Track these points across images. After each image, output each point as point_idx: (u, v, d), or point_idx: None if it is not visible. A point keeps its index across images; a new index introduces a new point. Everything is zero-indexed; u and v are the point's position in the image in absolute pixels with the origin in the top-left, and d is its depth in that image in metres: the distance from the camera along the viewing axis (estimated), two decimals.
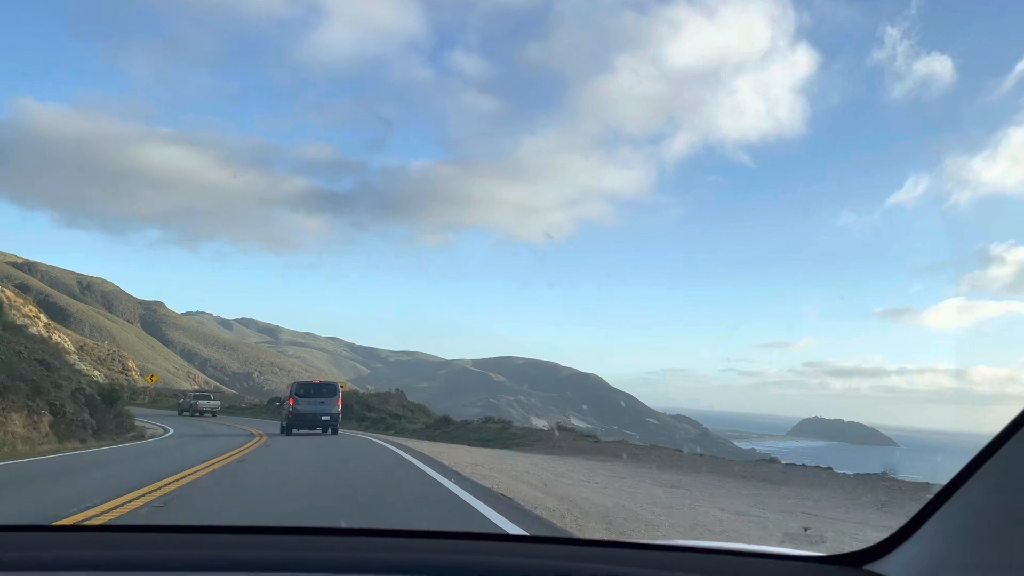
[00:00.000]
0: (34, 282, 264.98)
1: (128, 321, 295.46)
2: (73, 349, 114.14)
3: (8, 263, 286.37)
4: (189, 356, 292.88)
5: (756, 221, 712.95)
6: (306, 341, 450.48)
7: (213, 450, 20.58)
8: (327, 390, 30.29)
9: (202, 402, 54.64)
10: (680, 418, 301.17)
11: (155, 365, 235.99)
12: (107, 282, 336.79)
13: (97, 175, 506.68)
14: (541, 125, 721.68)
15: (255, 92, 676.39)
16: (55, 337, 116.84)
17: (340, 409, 30.47)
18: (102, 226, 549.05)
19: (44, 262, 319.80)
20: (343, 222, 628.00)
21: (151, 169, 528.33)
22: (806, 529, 9.28)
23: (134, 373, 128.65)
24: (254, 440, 25.67)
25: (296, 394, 29.37)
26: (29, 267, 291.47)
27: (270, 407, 55.27)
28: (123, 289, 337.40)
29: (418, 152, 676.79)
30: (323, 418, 29.30)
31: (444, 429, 34.91)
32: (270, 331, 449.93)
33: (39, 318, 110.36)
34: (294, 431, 29.40)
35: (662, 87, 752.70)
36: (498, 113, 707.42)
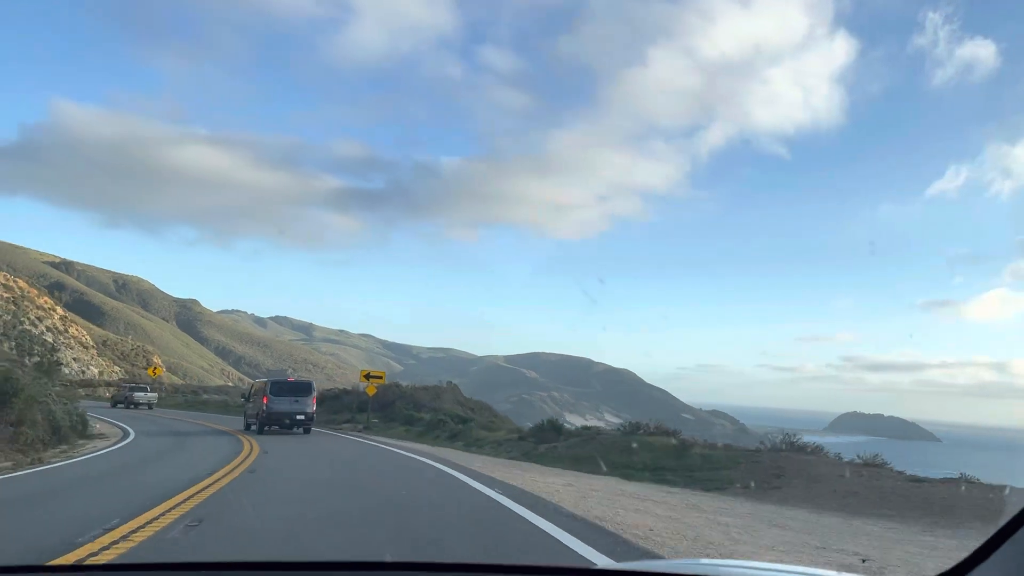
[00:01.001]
0: (70, 280, 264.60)
1: (163, 319, 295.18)
2: (92, 343, 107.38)
3: (46, 262, 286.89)
4: (223, 353, 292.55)
5: (792, 213, 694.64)
6: (339, 338, 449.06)
7: (174, 479, 12.36)
8: (302, 388, 28.92)
9: (138, 394, 51.50)
10: (716, 413, 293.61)
11: (189, 362, 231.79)
12: (143, 281, 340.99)
13: (134, 176, 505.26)
14: (571, 120, 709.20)
15: (287, 91, 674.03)
16: (71, 330, 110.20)
17: (315, 408, 29.23)
18: (139, 226, 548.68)
19: (82, 261, 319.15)
20: (375, 219, 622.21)
21: (186, 169, 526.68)
22: (864, 560, 7.50)
23: (159, 369, 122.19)
24: (240, 457, 17.77)
25: (270, 392, 27.90)
26: (66, 266, 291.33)
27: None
28: (159, 287, 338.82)
29: (449, 149, 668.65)
30: (298, 417, 27.93)
31: (554, 444, 22.01)
32: (304, 328, 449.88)
33: (55, 310, 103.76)
34: (266, 429, 28.01)
35: (695, 78, 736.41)
36: (528, 108, 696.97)
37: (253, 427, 29.22)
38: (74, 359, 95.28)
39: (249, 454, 18.41)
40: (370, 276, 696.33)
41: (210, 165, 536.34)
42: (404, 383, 40.67)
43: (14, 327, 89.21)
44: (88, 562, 5.99)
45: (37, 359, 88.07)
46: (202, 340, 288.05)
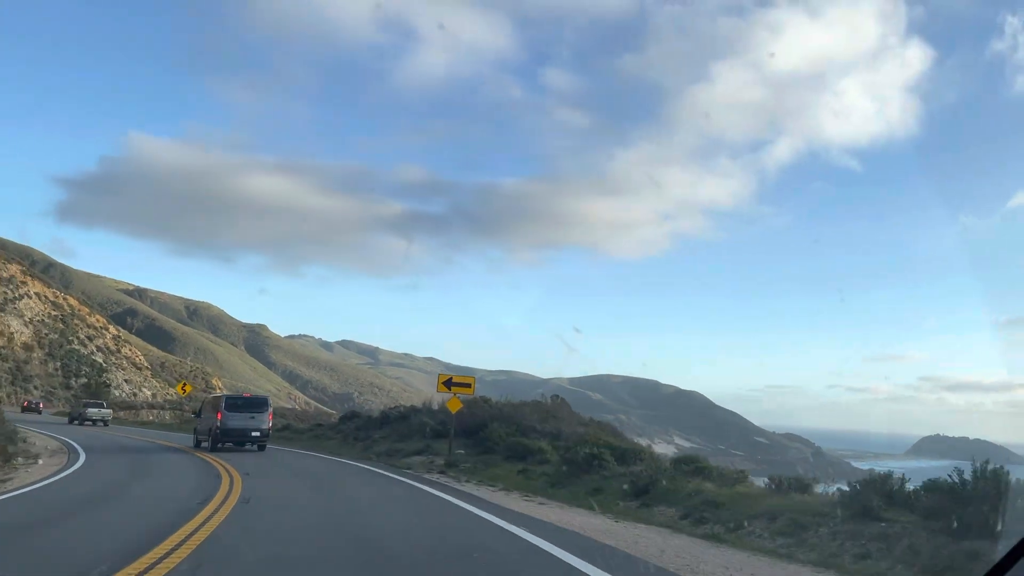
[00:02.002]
0: (142, 307, 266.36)
1: (232, 344, 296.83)
2: (146, 364, 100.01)
3: (120, 290, 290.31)
4: (291, 377, 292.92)
5: (864, 228, 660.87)
6: (404, 362, 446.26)
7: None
8: (258, 404, 27.85)
9: (91, 410, 49.58)
10: (791, 437, 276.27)
11: (256, 386, 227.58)
12: (213, 306, 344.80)
13: (205, 205, 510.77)
14: (634, 138, 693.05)
15: (351, 118, 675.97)
16: (124, 350, 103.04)
17: (271, 425, 28.14)
18: (210, 253, 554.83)
19: (155, 289, 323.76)
20: (437, 243, 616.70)
21: (255, 197, 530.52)
22: None
23: (219, 391, 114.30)
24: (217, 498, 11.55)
25: (225, 407, 26.42)
26: (139, 293, 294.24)
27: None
28: (228, 313, 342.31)
29: (510, 170, 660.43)
30: (253, 434, 26.48)
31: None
32: (370, 352, 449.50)
33: (107, 330, 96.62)
34: (219, 446, 26.25)
35: (763, 92, 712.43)
36: (590, 128, 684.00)
37: (204, 444, 27.70)
38: (125, 380, 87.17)
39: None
40: (433, 299, 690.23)
41: (278, 193, 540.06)
42: (494, 398, 29.35)
43: (61, 346, 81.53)
44: None
45: (84, 380, 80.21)
46: (270, 364, 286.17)
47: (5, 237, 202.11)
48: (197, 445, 28.18)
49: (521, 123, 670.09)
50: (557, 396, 30.40)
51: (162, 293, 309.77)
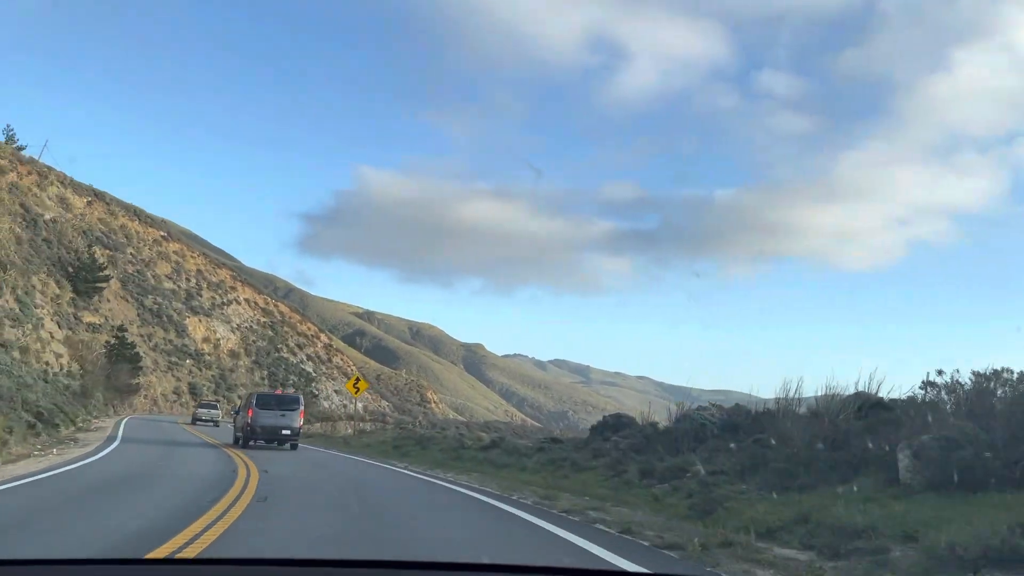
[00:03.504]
0: (370, 328, 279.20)
1: (452, 362, 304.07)
2: (356, 375, 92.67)
3: (352, 313, 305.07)
4: (507, 395, 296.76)
5: None
6: (616, 380, 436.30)
7: None
8: (289, 402, 26.83)
9: (202, 411, 51.33)
10: None
11: (474, 403, 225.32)
12: (434, 328, 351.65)
13: (427, 232, 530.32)
14: (860, 139, 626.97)
15: (561, 140, 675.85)
16: (336, 359, 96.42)
17: (302, 423, 27.04)
18: (431, 278, 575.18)
19: (381, 311, 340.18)
20: (647, 260, 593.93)
21: (472, 223, 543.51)
22: None
23: (433, 404, 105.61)
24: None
25: (256, 405, 25.80)
26: (368, 316, 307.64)
27: None
28: (447, 333, 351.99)
29: (722, 181, 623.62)
30: (283, 432, 25.47)
31: None
32: (581, 371, 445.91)
33: (318, 338, 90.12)
34: (250, 444, 25.66)
35: (1015, 78, 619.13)
36: (810, 131, 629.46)
37: (240, 441, 26.38)
38: (335, 391, 78.72)
39: None
40: (644, 317, 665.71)
41: (493, 218, 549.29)
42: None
43: (269, 354, 74.57)
44: None
45: (291, 389, 72.51)
46: (487, 382, 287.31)
47: (255, 268, 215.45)
48: (236, 442, 26.87)
49: (734, 132, 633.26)
50: None
51: (388, 315, 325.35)
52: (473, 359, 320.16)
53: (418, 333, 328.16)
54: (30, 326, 42.32)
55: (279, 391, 33.50)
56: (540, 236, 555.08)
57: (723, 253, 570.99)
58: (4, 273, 43.42)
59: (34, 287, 47.34)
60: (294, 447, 25.68)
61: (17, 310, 41.66)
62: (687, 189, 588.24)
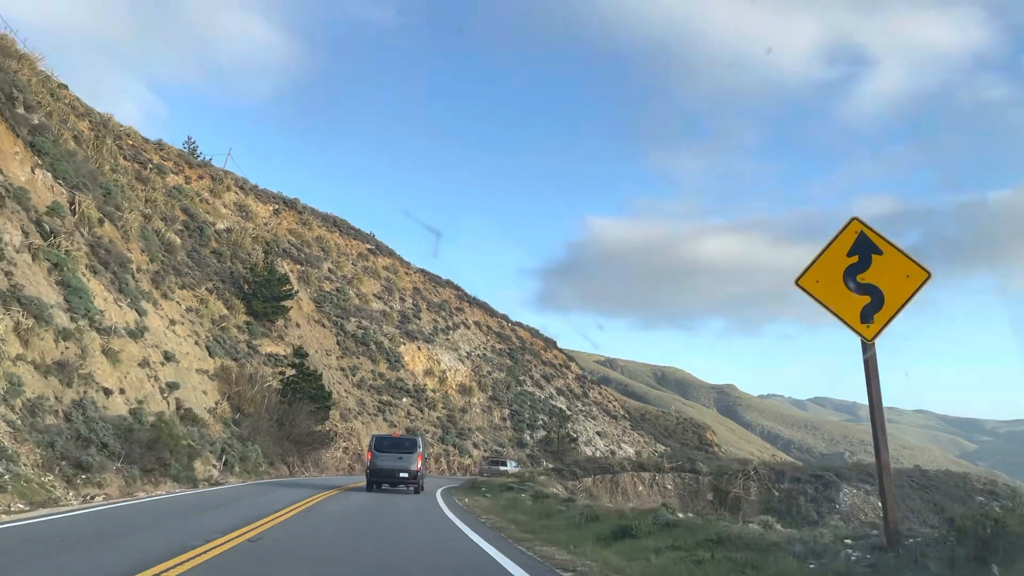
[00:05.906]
0: (614, 375, 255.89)
1: (703, 405, 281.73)
2: (622, 413, 69.95)
3: (596, 361, 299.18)
4: (769, 437, 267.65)
5: None
6: (890, 416, 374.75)
7: None
8: (407, 445, 25.39)
9: (493, 467, 42.89)
10: None
11: (737, 448, 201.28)
12: (680, 371, 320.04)
13: (661, 276, 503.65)
14: None
15: (799, 162, 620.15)
16: (592, 394, 74.10)
17: (421, 466, 25.35)
18: (670, 322, 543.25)
19: (622, 358, 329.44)
20: None
21: (708, 261, 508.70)
22: None
23: (715, 448, 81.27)
24: None
25: (375, 448, 25.01)
26: (610, 363, 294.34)
27: None
28: (695, 376, 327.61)
29: (999, 182, 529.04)
30: (401, 475, 24.50)
31: None
32: (847, 408, 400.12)
33: (568, 368, 68.30)
34: (374, 487, 24.49)
35: None
36: None
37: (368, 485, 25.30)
38: (597, 433, 57.32)
39: None
40: (914, 347, 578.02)
41: (730, 253, 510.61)
42: None
43: (508, 387, 55.22)
44: None
45: (543, 432, 52.41)
46: (744, 424, 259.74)
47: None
48: (368, 487, 24.86)
49: (1009, 124, 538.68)
50: None
51: (630, 361, 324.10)
52: (726, 401, 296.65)
53: (663, 377, 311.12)
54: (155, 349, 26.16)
55: (396, 433, 33.12)
56: (783, 267, 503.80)
57: (1006, 264, 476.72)
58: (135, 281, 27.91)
59: (180, 303, 32.05)
60: (417, 490, 24.58)
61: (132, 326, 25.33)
62: (955, 195, 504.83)
